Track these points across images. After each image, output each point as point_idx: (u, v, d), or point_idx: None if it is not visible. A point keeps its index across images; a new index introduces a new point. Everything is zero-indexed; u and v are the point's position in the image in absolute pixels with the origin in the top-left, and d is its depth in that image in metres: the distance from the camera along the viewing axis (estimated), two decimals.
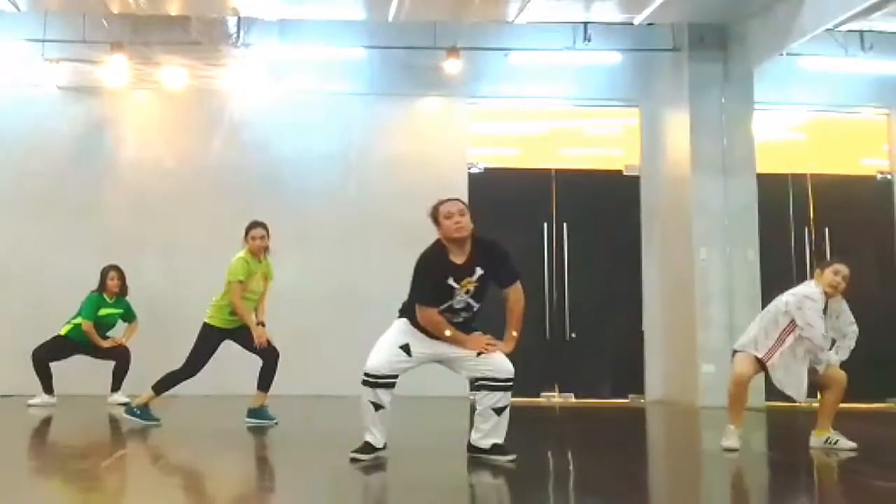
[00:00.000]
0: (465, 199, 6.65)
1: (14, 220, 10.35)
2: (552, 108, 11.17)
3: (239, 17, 10.09)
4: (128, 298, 9.28)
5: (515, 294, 5.41)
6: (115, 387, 9.03)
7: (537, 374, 10.39)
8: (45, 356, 8.91)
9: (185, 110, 10.77)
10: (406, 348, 5.32)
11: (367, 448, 5.32)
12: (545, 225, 10.81)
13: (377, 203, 10.50)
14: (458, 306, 5.32)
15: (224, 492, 4.89)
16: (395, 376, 5.34)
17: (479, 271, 5.31)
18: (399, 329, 5.40)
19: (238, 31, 10.26)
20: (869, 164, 11.16)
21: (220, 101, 10.74)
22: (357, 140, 10.79)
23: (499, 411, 5.29)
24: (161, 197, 10.47)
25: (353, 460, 5.25)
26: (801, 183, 10.82)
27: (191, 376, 7.10)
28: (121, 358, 9.08)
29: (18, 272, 10.25)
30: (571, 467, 5.63)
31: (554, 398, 10.57)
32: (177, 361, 7.28)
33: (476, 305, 5.35)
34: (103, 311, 9.09)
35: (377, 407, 5.30)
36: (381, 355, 5.31)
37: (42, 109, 10.57)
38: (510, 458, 5.28)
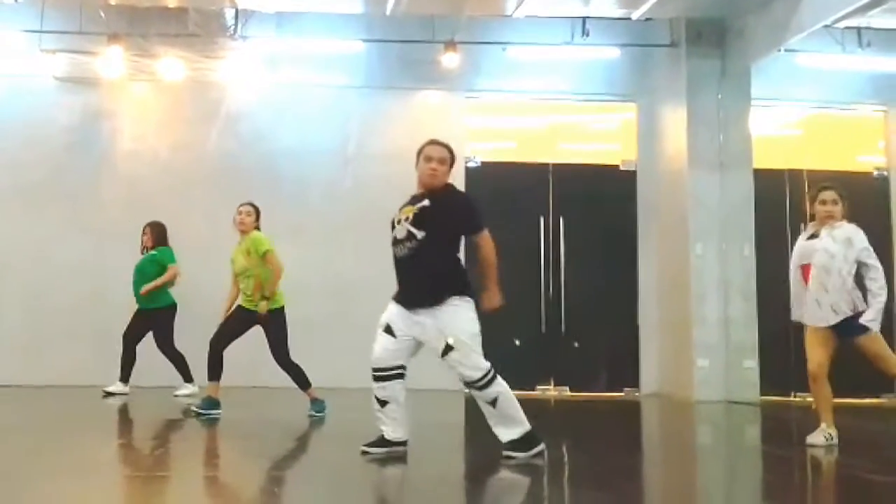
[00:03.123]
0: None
1: (11, 210, 10.36)
2: (550, 102, 11.20)
3: (236, 10, 10.11)
4: (169, 248, 9.09)
5: (485, 245, 5.08)
6: (186, 379, 8.92)
7: (533, 367, 10.44)
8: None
9: (182, 102, 10.77)
10: (388, 329, 5.11)
11: (380, 442, 5.11)
12: (542, 219, 10.83)
13: (374, 196, 10.42)
14: (399, 236, 5.09)
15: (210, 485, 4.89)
16: (400, 367, 5.09)
17: (425, 202, 5.09)
18: (386, 310, 5.19)
19: (236, 24, 10.27)
20: (866, 160, 11.20)
21: (218, 93, 10.74)
22: (354, 133, 10.80)
23: (493, 403, 4.99)
24: (158, 188, 10.46)
25: (364, 453, 5.07)
26: (797, 179, 10.83)
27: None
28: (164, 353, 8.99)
29: (16, 263, 10.26)
30: (566, 460, 5.64)
31: (549, 391, 10.59)
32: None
33: (419, 234, 5.00)
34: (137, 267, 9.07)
35: (382, 403, 5.09)
36: (376, 344, 5.13)
37: (39, 100, 10.58)
38: (528, 454, 5.01)
